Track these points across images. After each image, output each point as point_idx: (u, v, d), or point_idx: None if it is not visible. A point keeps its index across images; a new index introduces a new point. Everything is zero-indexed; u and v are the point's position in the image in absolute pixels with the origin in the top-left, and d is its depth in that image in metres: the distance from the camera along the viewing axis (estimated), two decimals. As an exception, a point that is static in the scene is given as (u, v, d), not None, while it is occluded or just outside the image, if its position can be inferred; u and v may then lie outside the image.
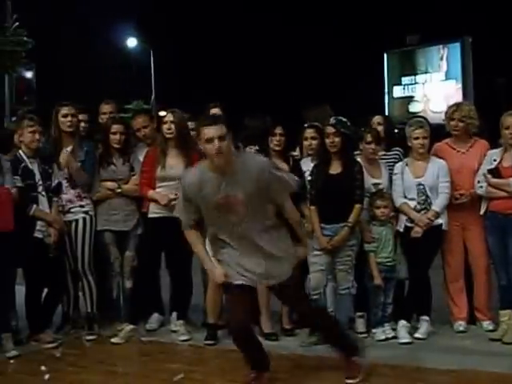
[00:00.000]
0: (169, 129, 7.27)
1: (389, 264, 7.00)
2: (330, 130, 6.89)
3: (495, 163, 6.91)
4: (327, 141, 6.91)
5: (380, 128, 7.50)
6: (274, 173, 5.52)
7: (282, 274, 5.63)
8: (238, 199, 5.38)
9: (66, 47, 30.18)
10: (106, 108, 8.17)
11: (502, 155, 6.93)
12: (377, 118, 7.71)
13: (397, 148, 7.47)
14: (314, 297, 6.92)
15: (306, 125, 7.60)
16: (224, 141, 5.26)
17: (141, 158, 7.55)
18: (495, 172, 6.85)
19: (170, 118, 7.32)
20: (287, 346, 6.95)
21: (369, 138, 7.19)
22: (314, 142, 7.34)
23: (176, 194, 7.20)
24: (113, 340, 7.21)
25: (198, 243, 5.74)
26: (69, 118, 7.33)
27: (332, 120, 7.01)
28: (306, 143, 7.43)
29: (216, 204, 5.40)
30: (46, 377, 6.21)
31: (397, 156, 7.49)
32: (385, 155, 7.50)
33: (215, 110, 7.71)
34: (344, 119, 7.04)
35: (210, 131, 5.27)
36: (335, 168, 6.94)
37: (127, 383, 6.26)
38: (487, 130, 7.62)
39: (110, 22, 31.33)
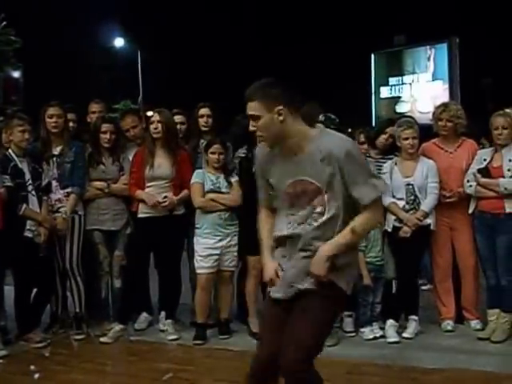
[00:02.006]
0: (156, 128, 7.27)
1: (377, 263, 7.02)
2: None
3: (485, 163, 6.94)
4: None
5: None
6: (359, 165, 4.18)
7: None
8: (309, 188, 4.19)
9: (53, 47, 30.10)
10: (95, 107, 8.15)
11: (492, 155, 6.96)
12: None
13: (396, 153, 7.42)
14: None
15: None
16: (259, 119, 4.15)
17: (130, 158, 7.55)
18: (485, 172, 6.88)
19: (156, 117, 7.32)
20: (276, 346, 6.95)
21: (362, 138, 7.21)
22: None
23: (165, 197, 7.23)
24: (101, 339, 7.21)
25: (263, 227, 4.56)
26: (54, 119, 7.31)
27: (321, 117, 7.01)
28: None
29: (284, 193, 4.29)
30: (35, 376, 6.20)
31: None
32: (382, 158, 7.50)
33: (204, 111, 7.71)
34: (333, 116, 7.05)
35: (247, 108, 4.20)
36: None
37: (116, 383, 6.25)
38: (475, 131, 7.65)
39: (98, 22, 31.29)
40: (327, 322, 4.39)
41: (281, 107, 4.11)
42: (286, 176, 4.24)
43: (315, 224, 4.18)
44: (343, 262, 4.21)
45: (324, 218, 4.17)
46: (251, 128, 4.29)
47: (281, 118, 4.12)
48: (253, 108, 4.15)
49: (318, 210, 4.18)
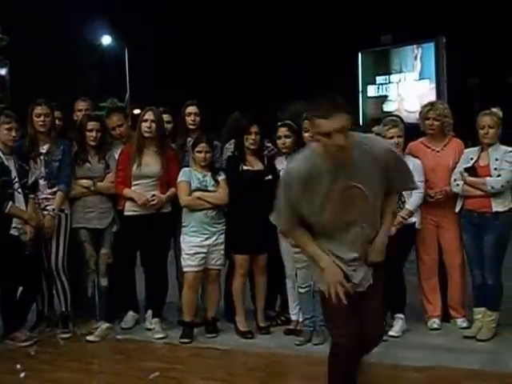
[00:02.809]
0: (149, 127, 7.25)
1: (364, 262, 7.03)
2: (308, 124, 6.90)
3: (472, 162, 6.96)
4: (306, 135, 6.92)
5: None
6: (399, 159, 4.69)
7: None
8: (358, 192, 4.40)
9: (40, 44, 30.00)
10: (81, 105, 8.12)
11: (479, 154, 6.98)
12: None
13: None
14: (302, 290, 6.96)
15: (279, 123, 7.60)
16: (344, 133, 4.20)
17: (116, 156, 7.54)
18: (472, 170, 6.90)
19: (150, 116, 7.30)
20: (263, 344, 6.97)
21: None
22: (288, 141, 7.31)
23: (153, 196, 7.22)
24: (88, 338, 7.20)
25: (306, 240, 4.65)
26: (41, 118, 7.28)
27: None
28: (279, 142, 7.41)
29: (329, 200, 4.40)
30: (21, 375, 6.18)
31: None
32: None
33: (191, 109, 7.71)
34: None
35: (328, 124, 4.20)
36: None
37: (102, 381, 6.24)
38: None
39: (85, 20, 31.22)
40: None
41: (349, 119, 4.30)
42: (334, 184, 4.38)
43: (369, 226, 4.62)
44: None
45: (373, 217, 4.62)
46: (341, 142, 4.21)
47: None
48: (344, 120, 4.22)
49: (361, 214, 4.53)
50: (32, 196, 7.17)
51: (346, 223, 4.51)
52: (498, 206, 6.79)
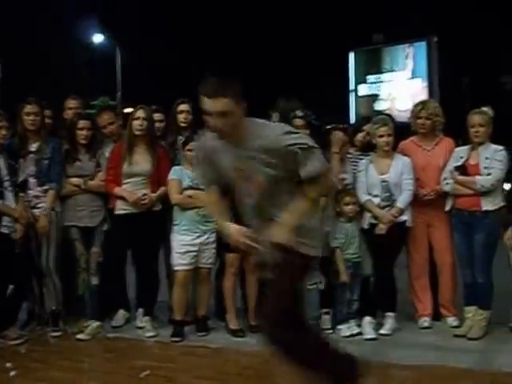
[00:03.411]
0: (140, 125, 7.26)
1: (354, 260, 7.05)
2: (299, 122, 6.90)
3: (462, 160, 6.98)
4: None
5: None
6: (293, 139, 4.43)
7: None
8: (252, 176, 4.47)
9: (31, 42, 29.91)
10: (72, 103, 8.11)
11: (469, 153, 6.99)
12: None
13: (375, 150, 7.41)
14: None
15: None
16: (224, 117, 4.30)
17: (107, 154, 7.53)
18: (462, 169, 6.92)
19: (142, 114, 7.31)
20: (254, 343, 6.95)
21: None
22: None
23: (145, 194, 7.22)
24: (78, 336, 7.19)
25: (217, 210, 4.83)
26: (31, 117, 7.26)
27: (299, 112, 7.00)
28: None
29: (231, 177, 4.58)
30: (12, 373, 6.15)
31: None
32: (361, 155, 7.52)
33: (183, 107, 7.71)
34: (309, 112, 7.06)
35: (207, 104, 4.32)
36: None
37: (93, 380, 6.23)
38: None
39: (76, 18, 31.11)
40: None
41: (245, 104, 4.38)
42: (230, 163, 4.50)
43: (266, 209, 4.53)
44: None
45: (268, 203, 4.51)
46: (215, 125, 4.32)
47: (242, 113, 4.38)
48: (225, 105, 4.26)
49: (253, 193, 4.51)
50: (22, 194, 7.15)
51: (245, 201, 4.61)
52: (488, 205, 6.80)
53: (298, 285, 4.69)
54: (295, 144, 4.39)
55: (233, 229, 4.63)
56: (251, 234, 4.56)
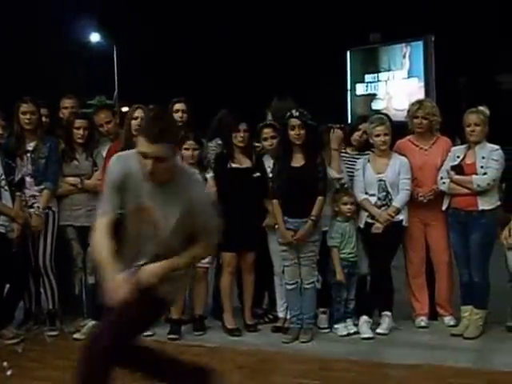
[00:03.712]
0: (139, 125, 7.24)
1: (351, 260, 7.05)
2: (296, 122, 6.90)
3: (458, 160, 6.98)
4: (292, 133, 6.91)
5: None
6: (207, 211, 4.47)
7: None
8: (152, 216, 4.35)
9: (28, 41, 29.89)
10: (67, 102, 8.09)
11: (466, 152, 7.00)
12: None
13: (372, 150, 7.41)
14: (290, 287, 6.98)
15: (261, 124, 7.60)
16: (162, 162, 4.17)
17: (104, 153, 7.53)
18: (458, 169, 6.92)
19: (140, 114, 7.30)
20: (250, 342, 6.97)
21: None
22: (275, 141, 7.34)
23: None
24: (75, 336, 7.17)
25: (105, 244, 4.37)
26: (27, 116, 7.25)
27: (295, 112, 7.01)
28: (266, 143, 7.42)
29: (132, 208, 4.40)
30: (8, 373, 6.14)
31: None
32: (358, 154, 7.52)
33: (179, 106, 7.71)
34: (304, 112, 7.07)
35: (145, 147, 4.15)
36: (297, 161, 6.96)
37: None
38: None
39: (73, 17, 31.09)
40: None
41: (177, 149, 4.46)
42: (141, 197, 4.32)
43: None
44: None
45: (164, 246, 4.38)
46: (149, 169, 4.14)
47: (174, 157, 4.30)
48: (163, 151, 4.14)
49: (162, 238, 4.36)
50: (19, 193, 7.15)
51: (140, 238, 4.42)
52: (484, 204, 6.81)
53: (144, 322, 4.73)
54: (207, 215, 4.44)
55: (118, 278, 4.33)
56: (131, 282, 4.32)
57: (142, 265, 4.38)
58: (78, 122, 7.40)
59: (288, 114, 7.01)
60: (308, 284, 6.97)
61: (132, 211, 4.38)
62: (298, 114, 6.93)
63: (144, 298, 4.33)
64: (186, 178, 4.42)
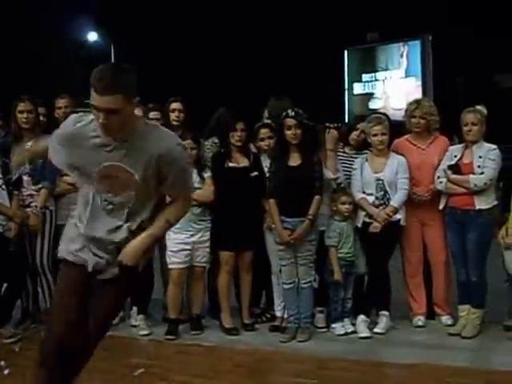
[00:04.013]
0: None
1: (349, 259, 7.04)
2: (292, 121, 6.90)
3: (455, 159, 6.99)
4: (288, 133, 6.91)
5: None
6: (179, 160, 4.27)
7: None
8: (124, 175, 4.19)
9: (25, 40, 29.86)
10: (61, 102, 8.02)
11: (463, 151, 7.00)
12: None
13: (370, 149, 7.42)
14: (287, 286, 6.99)
15: (258, 124, 7.60)
16: (115, 114, 3.97)
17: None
18: (455, 168, 6.92)
19: (139, 113, 7.29)
20: (248, 341, 6.98)
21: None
22: (272, 141, 7.35)
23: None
24: (72, 335, 7.17)
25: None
26: (24, 115, 7.23)
27: (290, 112, 7.00)
28: (263, 143, 7.42)
29: (93, 170, 4.22)
30: (6, 372, 6.15)
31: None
32: (355, 154, 7.52)
33: (175, 105, 7.72)
34: (300, 111, 7.07)
35: (96, 99, 3.98)
36: (294, 160, 6.97)
37: (87, 378, 6.18)
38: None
39: (71, 16, 31.07)
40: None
41: (137, 98, 4.11)
42: (104, 160, 4.17)
43: (125, 212, 4.28)
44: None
45: (131, 208, 4.28)
46: (102, 121, 4.00)
47: (134, 109, 4.16)
48: (113, 102, 3.95)
49: (128, 199, 4.26)
50: (16, 192, 7.14)
51: (104, 200, 4.28)
52: (481, 204, 6.81)
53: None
54: (180, 160, 4.25)
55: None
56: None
57: (122, 241, 4.28)
58: (76, 121, 7.38)
59: (284, 113, 7.01)
60: (305, 283, 6.97)
61: (97, 174, 4.20)
62: (293, 113, 6.93)
63: (124, 279, 4.32)
64: (155, 132, 4.25)
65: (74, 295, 4.35)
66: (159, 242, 4.65)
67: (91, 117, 4.19)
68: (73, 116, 4.36)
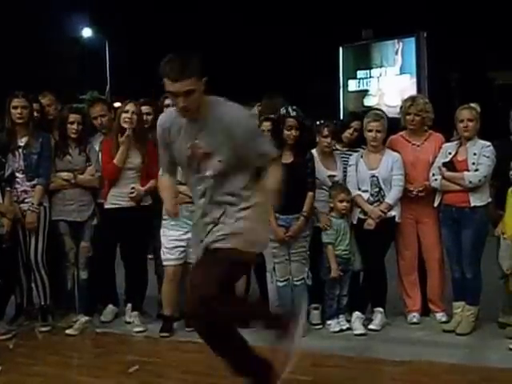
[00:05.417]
0: (130, 118, 7.24)
1: (345, 256, 7.04)
2: (293, 122, 6.91)
3: (450, 156, 6.99)
4: (288, 133, 6.91)
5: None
6: (251, 129, 4.76)
7: (224, 239, 4.66)
8: (205, 152, 4.60)
9: (20, 36, 29.85)
10: (43, 101, 7.93)
11: (457, 149, 7.00)
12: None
13: (362, 146, 7.43)
14: (281, 284, 6.99)
15: (262, 117, 7.61)
16: (189, 96, 4.44)
17: (97, 148, 7.53)
18: (450, 165, 6.92)
19: (131, 107, 7.30)
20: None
21: (325, 131, 7.20)
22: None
23: (132, 188, 7.22)
24: (67, 331, 7.17)
25: (165, 185, 5.11)
26: (18, 110, 7.21)
27: (283, 110, 6.99)
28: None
29: (185, 154, 4.70)
30: (-1, 369, 6.16)
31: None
32: (348, 151, 7.52)
33: (169, 101, 7.70)
34: (294, 107, 7.06)
35: (171, 86, 4.45)
36: (287, 158, 6.95)
37: (82, 375, 6.22)
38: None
39: (65, 12, 31.05)
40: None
41: (205, 78, 4.53)
42: (187, 140, 4.66)
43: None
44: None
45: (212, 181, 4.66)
46: (181, 104, 4.47)
47: (203, 88, 4.54)
48: (190, 84, 4.41)
49: (208, 173, 4.64)
50: (9, 189, 7.12)
51: (199, 178, 4.72)
52: (476, 201, 6.82)
53: (233, 270, 4.81)
54: (251, 126, 4.76)
55: (168, 203, 4.99)
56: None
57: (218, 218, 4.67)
58: (72, 117, 7.37)
59: (284, 111, 7.01)
60: (298, 281, 6.98)
61: (185, 158, 4.69)
62: (295, 113, 6.94)
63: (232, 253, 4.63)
64: (219, 106, 4.64)
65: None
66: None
67: (169, 110, 4.92)
68: (158, 120, 4.94)
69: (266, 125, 7.40)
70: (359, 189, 7.14)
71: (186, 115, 4.58)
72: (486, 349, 6.50)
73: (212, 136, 4.56)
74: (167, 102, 7.68)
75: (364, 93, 29.22)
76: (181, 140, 4.69)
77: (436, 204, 7.11)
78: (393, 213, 7.09)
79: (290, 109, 7.03)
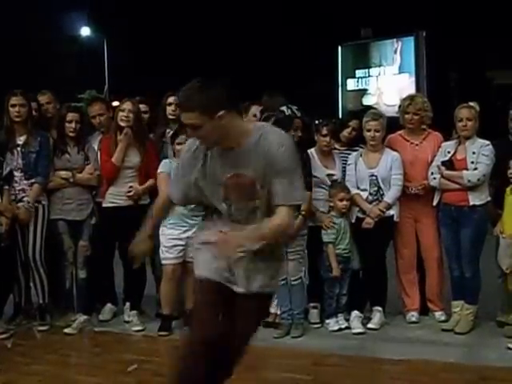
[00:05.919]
0: (126, 116, 7.24)
1: (345, 255, 7.03)
2: (299, 122, 6.93)
3: (449, 155, 6.99)
4: (292, 133, 6.91)
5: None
6: (284, 161, 4.13)
7: (268, 282, 4.37)
8: (248, 179, 4.16)
9: (18, 34, 29.82)
10: (42, 99, 7.96)
11: (456, 147, 7.00)
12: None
13: (361, 145, 7.43)
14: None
15: (264, 115, 7.59)
16: (200, 128, 4.04)
17: (96, 147, 7.52)
18: (449, 164, 6.92)
19: (129, 106, 7.31)
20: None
21: (324, 131, 7.20)
22: None
23: (130, 187, 7.22)
24: (66, 330, 7.16)
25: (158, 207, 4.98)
26: (16, 109, 7.20)
27: (295, 111, 7.00)
28: None
29: (221, 184, 4.23)
30: (-2, 368, 6.16)
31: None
32: (347, 150, 7.52)
33: (172, 99, 7.68)
34: (295, 107, 7.06)
35: (181, 116, 4.19)
36: None
37: (80, 374, 6.21)
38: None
39: (64, 10, 31.02)
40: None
41: (222, 112, 4.03)
42: (224, 169, 4.20)
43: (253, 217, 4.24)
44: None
45: (259, 211, 4.22)
46: (192, 136, 4.26)
47: (222, 121, 4.05)
48: (193, 118, 4.05)
49: (254, 203, 4.22)
50: (7, 187, 7.11)
51: (233, 210, 4.28)
52: (475, 200, 6.81)
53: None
54: (285, 161, 4.13)
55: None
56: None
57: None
58: (71, 116, 7.36)
59: (288, 111, 7.02)
60: (295, 280, 6.97)
61: (218, 187, 4.23)
62: (299, 114, 6.95)
63: (260, 306, 4.53)
64: (258, 135, 4.16)
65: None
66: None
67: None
68: (188, 142, 4.50)
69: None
70: (358, 188, 7.14)
71: (205, 145, 4.21)
72: (484, 347, 6.50)
73: (256, 166, 4.11)
74: (170, 100, 7.69)
75: (363, 92, 29.18)
76: (212, 168, 4.24)
77: (435, 203, 7.11)
78: (391, 212, 7.10)
79: (294, 109, 7.03)
